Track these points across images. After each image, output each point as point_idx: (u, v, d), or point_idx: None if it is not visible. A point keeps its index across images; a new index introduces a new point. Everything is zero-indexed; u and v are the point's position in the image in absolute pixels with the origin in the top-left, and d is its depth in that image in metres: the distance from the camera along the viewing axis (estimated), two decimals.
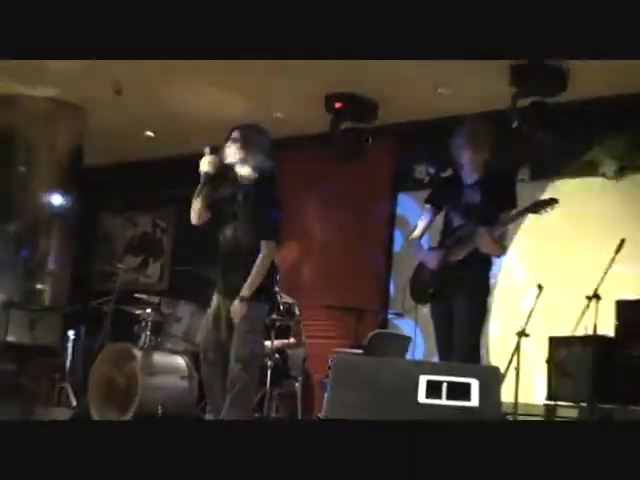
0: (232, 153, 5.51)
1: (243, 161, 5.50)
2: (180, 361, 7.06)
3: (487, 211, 5.09)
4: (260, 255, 5.36)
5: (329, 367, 5.17)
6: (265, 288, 5.53)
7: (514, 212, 5.08)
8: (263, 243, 5.40)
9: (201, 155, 5.60)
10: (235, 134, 5.53)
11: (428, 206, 5.52)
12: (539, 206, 5.00)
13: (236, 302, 5.31)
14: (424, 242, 5.63)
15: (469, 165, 5.21)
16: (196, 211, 5.63)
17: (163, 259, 11.18)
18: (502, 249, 5.25)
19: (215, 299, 5.59)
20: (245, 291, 5.31)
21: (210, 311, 5.62)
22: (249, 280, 5.33)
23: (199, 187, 5.61)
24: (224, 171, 5.64)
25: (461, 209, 5.21)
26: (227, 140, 5.57)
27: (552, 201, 5.00)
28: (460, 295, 5.11)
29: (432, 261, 5.27)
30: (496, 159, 5.22)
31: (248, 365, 5.37)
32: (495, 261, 5.44)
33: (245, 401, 5.42)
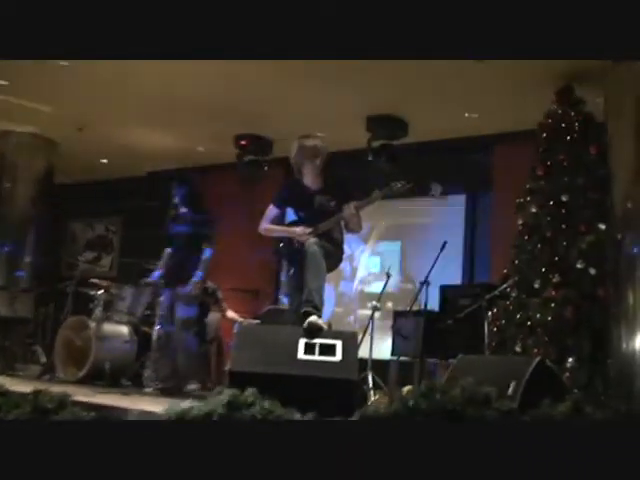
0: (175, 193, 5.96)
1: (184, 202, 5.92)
2: (124, 329, 6.91)
3: (337, 208, 4.67)
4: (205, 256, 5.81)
5: (234, 333, 5.09)
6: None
7: (375, 194, 4.56)
8: (207, 249, 5.83)
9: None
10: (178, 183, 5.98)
11: (273, 207, 4.90)
12: (393, 189, 4.59)
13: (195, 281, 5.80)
14: None
15: (310, 173, 4.77)
16: None
17: (113, 254, 11.05)
18: (360, 226, 4.78)
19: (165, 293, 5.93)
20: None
21: (163, 303, 5.93)
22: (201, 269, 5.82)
23: None
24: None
25: (313, 209, 4.73)
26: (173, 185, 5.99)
27: (405, 184, 4.60)
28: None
29: (298, 233, 4.68)
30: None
31: (189, 327, 5.83)
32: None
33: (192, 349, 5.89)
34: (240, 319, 7.67)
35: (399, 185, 4.58)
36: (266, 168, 8.53)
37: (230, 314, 7.99)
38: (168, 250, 6.05)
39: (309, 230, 4.64)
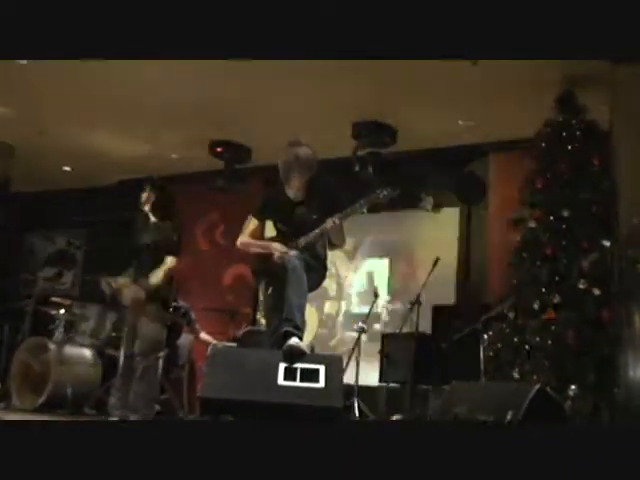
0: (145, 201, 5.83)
1: (153, 210, 5.80)
2: (87, 353, 6.86)
3: (319, 221, 4.57)
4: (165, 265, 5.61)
5: (207, 356, 5.07)
6: (164, 292, 5.67)
7: (359, 204, 4.46)
8: (168, 257, 5.63)
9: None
10: (148, 190, 5.80)
11: (253, 219, 4.84)
12: (379, 197, 4.48)
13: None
14: None
15: (297, 185, 4.66)
16: None
17: (75, 270, 10.96)
18: (344, 240, 4.73)
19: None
20: (153, 279, 5.56)
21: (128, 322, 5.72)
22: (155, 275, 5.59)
23: None
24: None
25: (294, 222, 4.67)
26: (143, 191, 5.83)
27: (390, 191, 4.50)
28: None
29: (276, 248, 4.62)
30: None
31: (153, 349, 5.58)
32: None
33: (151, 376, 5.56)
34: (214, 341, 7.63)
35: (385, 193, 4.52)
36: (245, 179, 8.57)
37: (204, 336, 7.95)
38: (135, 262, 5.99)
39: (286, 248, 4.60)
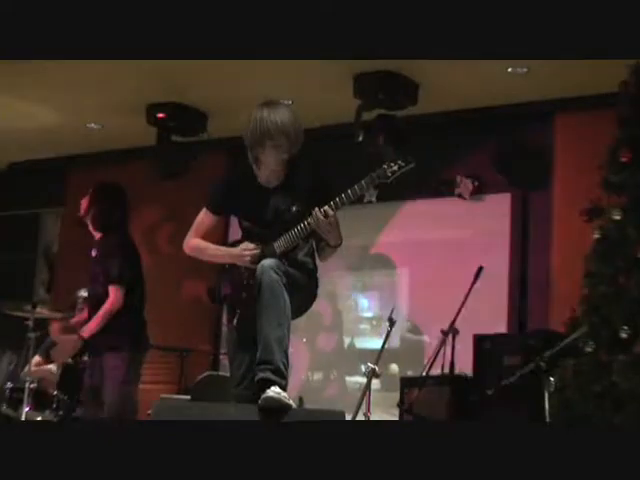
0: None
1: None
2: None
3: (301, 214, 4.51)
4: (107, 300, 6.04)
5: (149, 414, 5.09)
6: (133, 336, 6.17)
7: (358, 185, 4.28)
8: (110, 288, 6.08)
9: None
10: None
11: (208, 213, 4.79)
12: (386, 174, 4.39)
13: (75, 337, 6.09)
14: None
15: (272, 163, 4.63)
16: None
17: None
18: (339, 238, 4.57)
19: None
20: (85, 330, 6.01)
21: None
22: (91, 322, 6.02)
23: None
24: None
25: (268, 217, 4.60)
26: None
27: (402, 165, 4.40)
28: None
29: (236, 253, 4.65)
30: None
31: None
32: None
33: None
34: None
35: (394, 167, 4.44)
36: (196, 157, 8.66)
37: None
38: (81, 292, 6.16)
39: (253, 247, 4.58)
